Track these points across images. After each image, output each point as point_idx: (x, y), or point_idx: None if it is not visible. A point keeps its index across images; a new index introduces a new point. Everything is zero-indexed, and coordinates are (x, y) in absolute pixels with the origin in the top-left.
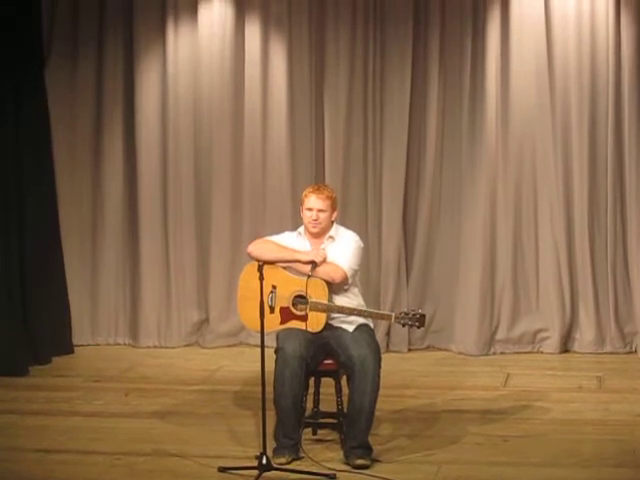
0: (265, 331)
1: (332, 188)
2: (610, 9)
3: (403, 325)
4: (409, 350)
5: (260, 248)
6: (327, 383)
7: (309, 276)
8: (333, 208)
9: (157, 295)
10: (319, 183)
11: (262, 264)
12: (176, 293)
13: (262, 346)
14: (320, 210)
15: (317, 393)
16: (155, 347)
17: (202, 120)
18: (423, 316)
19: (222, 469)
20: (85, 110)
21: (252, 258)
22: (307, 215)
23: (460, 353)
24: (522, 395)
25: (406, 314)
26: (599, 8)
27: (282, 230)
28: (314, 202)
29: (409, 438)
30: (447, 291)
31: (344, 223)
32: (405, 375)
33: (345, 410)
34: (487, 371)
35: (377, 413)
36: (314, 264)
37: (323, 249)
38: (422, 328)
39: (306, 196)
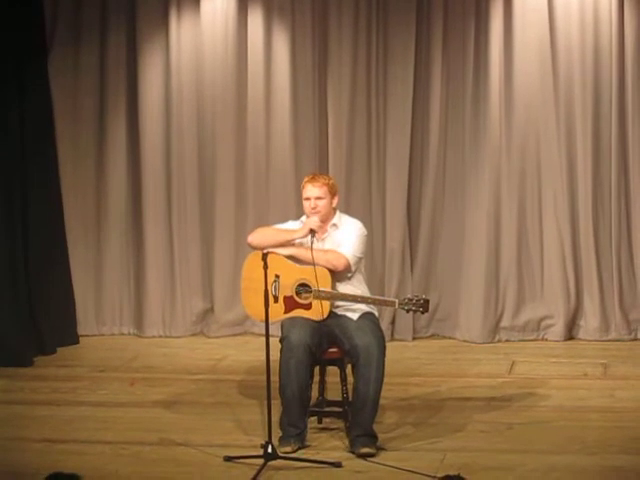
0: (270, 320)
1: (329, 175)
2: None
3: (407, 311)
4: (414, 338)
5: (259, 237)
6: (332, 372)
7: (315, 265)
8: (332, 194)
9: (162, 285)
10: (315, 172)
11: (266, 253)
12: (181, 283)
13: (267, 335)
14: (318, 198)
15: (322, 382)
16: (160, 337)
17: (205, 110)
18: (427, 301)
19: (228, 458)
20: (88, 100)
21: (253, 248)
22: (306, 205)
23: (465, 341)
24: (527, 382)
25: (410, 300)
26: None
27: (286, 219)
28: (310, 191)
29: (414, 426)
30: (452, 279)
31: (348, 211)
32: (410, 363)
33: (350, 398)
34: (492, 359)
35: (382, 401)
36: (313, 232)
37: (317, 220)
38: (426, 314)
39: (303, 187)
